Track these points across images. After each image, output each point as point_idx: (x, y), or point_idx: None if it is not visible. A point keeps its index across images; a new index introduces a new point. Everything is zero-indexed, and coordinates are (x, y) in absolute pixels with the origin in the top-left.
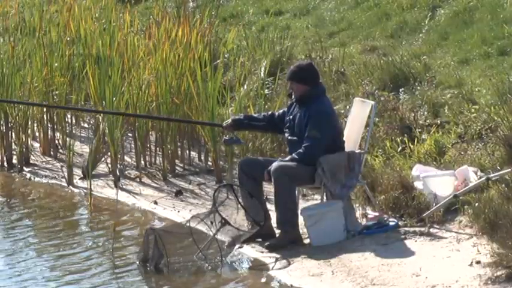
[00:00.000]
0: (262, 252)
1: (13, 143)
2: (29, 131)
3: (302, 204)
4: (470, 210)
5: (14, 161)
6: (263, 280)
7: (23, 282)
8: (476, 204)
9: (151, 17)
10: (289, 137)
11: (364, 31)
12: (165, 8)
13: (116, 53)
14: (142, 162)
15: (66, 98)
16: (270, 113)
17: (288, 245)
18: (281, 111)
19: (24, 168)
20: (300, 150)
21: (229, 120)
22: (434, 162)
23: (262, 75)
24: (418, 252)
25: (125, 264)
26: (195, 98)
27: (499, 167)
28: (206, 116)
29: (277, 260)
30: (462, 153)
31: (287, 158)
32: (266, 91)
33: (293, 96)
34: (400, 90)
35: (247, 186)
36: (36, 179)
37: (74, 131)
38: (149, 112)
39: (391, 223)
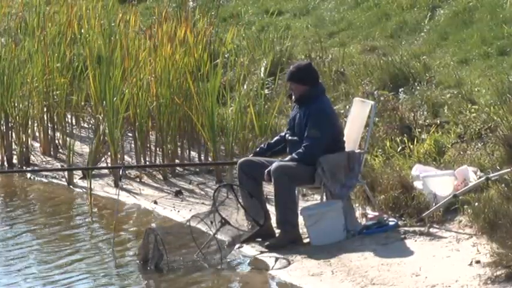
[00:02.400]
0: (262, 252)
1: (13, 143)
2: (29, 131)
3: (302, 204)
4: (469, 210)
5: (14, 160)
6: (263, 280)
7: (23, 281)
8: (476, 204)
9: (154, 17)
10: (290, 137)
11: (364, 31)
12: (166, 8)
13: (117, 53)
14: (142, 162)
15: (67, 99)
16: (284, 132)
17: (288, 244)
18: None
19: (25, 168)
20: (300, 150)
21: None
22: (434, 162)
23: (262, 75)
24: (417, 252)
25: (125, 264)
26: (195, 98)
27: (498, 167)
28: (206, 115)
29: (277, 259)
30: (462, 153)
31: (287, 158)
32: (266, 91)
33: (293, 97)
34: (400, 90)
35: (247, 186)
36: (37, 178)
37: (74, 131)
38: (149, 111)
39: (390, 223)
